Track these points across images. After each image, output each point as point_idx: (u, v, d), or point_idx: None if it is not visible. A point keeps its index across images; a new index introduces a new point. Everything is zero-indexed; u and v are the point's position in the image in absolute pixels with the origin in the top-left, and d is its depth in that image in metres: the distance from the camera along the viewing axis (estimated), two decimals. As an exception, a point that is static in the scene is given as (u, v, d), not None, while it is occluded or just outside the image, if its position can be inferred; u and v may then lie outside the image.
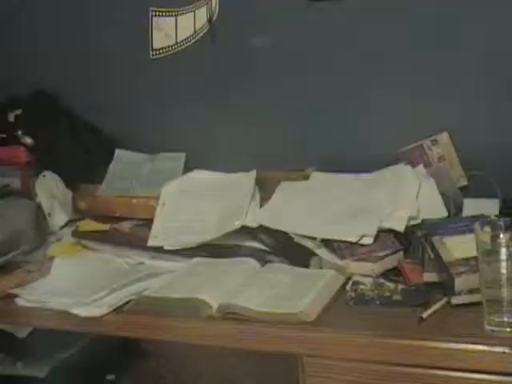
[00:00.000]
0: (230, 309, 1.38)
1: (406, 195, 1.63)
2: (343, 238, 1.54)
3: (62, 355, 1.74)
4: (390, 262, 1.50)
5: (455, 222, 1.48)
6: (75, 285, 1.58)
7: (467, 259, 1.32)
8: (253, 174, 1.78)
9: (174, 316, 1.42)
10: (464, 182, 1.77)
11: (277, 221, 1.64)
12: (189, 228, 1.70)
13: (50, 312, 1.49)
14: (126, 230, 1.82)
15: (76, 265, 1.69)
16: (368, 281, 1.45)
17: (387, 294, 1.41)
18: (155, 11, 2.00)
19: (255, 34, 1.92)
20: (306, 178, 1.80)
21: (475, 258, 1.26)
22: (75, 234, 1.82)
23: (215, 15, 1.95)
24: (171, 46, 2.01)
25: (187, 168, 1.94)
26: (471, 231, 1.27)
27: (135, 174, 1.98)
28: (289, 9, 1.87)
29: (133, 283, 1.53)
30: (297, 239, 1.58)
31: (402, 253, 1.52)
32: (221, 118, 1.96)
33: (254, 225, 1.64)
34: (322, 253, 1.54)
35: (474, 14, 1.72)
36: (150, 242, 1.70)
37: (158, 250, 1.68)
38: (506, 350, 1.17)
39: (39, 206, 1.88)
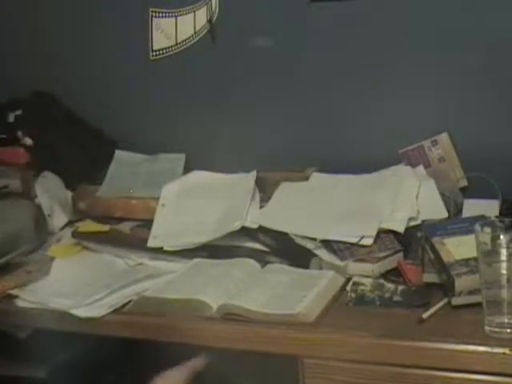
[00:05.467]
0: (229, 309, 1.38)
1: (405, 196, 1.63)
2: (343, 239, 1.54)
3: (62, 356, 1.74)
4: (390, 263, 1.50)
5: (455, 222, 1.48)
6: (75, 285, 1.58)
7: (467, 260, 1.32)
8: (253, 174, 1.78)
9: (173, 317, 1.42)
10: (464, 183, 1.77)
11: (277, 221, 1.64)
12: (189, 229, 1.70)
13: (50, 313, 1.49)
14: (125, 230, 1.82)
15: (76, 265, 1.69)
16: (368, 281, 1.45)
17: (387, 294, 1.41)
18: (155, 12, 2.00)
19: (255, 34, 1.92)
20: (306, 178, 1.80)
21: (475, 258, 1.26)
22: (75, 234, 1.82)
23: (215, 15, 1.95)
24: (171, 47, 2.01)
25: (187, 169, 1.94)
26: (471, 232, 1.27)
27: (135, 175, 1.98)
28: (289, 9, 1.87)
29: (133, 284, 1.53)
30: (297, 240, 1.58)
31: (401, 253, 1.52)
32: (221, 119, 1.96)
33: (253, 225, 1.64)
34: (322, 253, 1.55)
35: (474, 13, 1.72)
36: (150, 243, 1.70)
37: (158, 250, 1.67)
38: (506, 351, 1.17)
39: (39, 207, 1.88)
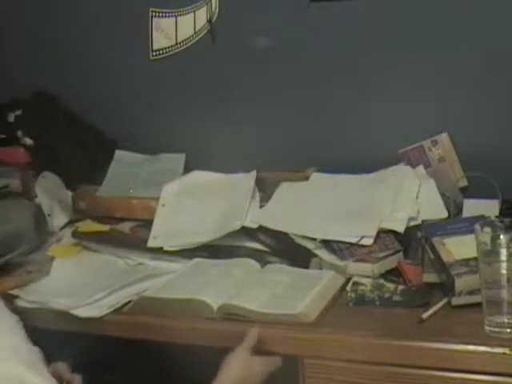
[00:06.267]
0: (230, 309, 1.38)
1: (405, 196, 1.63)
2: (343, 239, 1.54)
3: (62, 356, 1.74)
4: (390, 263, 1.50)
5: (455, 222, 1.48)
6: (75, 285, 1.58)
7: (467, 260, 1.32)
8: (253, 174, 1.78)
9: (174, 317, 1.42)
10: (464, 183, 1.77)
11: (277, 221, 1.64)
12: (189, 229, 1.70)
13: (50, 313, 1.49)
14: (125, 230, 1.82)
15: (76, 265, 1.69)
16: (368, 281, 1.45)
17: (387, 294, 1.41)
18: (155, 12, 2.00)
19: (255, 34, 1.92)
20: (306, 178, 1.80)
21: (475, 258, 1.26)
22: (75, 234, 1.82)
23: (215, 15, 1.95)
24: (171, 47, 2.00)
25: (187, 169, 1.94)
26: (471, 232, 1.27)
27: (135, 175, 1.98)
28: (289, 9, 1.87)
29: (133, 284, 1.53)
30: (297, 240, 1.58)
31: (401, 253, 1.52)
32: (221, 119, 1.96)
33: (254, 225, 1.64)
34: (322, 253, 1.55)
35: (475, 14, 1.72)
36: (150, 243, 1.70)
37: (158, 250, 1.68)
38: (506, 351, 1.17)
39: (39, 207, 1.88)
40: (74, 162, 2.03)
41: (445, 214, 1.60)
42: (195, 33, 1.97)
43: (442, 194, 1.65)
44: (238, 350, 1.28)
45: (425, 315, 1.30)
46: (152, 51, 2.03)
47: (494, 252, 1.21)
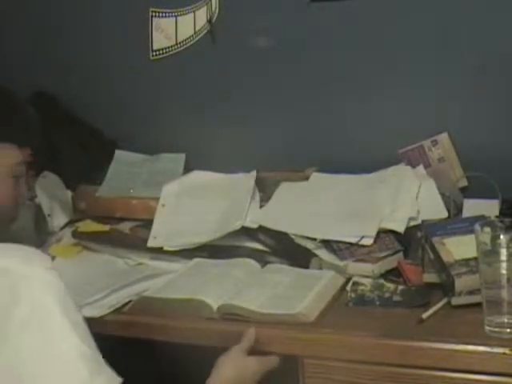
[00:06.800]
0: (229, 309, 1.38)
1: (405, 196, 1.63)
2: (343, 239, 1.54)
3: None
4: (390, 263, 1.50)
5: (455, 222, 1.48)
6: (75, 285, 1.57)
7: (467, 260, 1.32)
8: (253, 174, 1.78)
9: (174, 317, 1.42)
10: (464, 183, 1.77)
11: (277, 221, 1.64)
12: (189, 229, 1.70)
13: (49, 313, 1.49)
14: (125, 230, 1.82)
15: (76, 265, 1.69)
16: (368, 281, 1.45)
17: (387, 294, 1.41)
18: (155, 12, 2.00)
19: (255, 34, 1.92)
20: (306, 178, 1.80)
21: (475, 258, 1.26)
22: (75, 234, 1.82)
23: (215, 15, 1.95)
24: (171, 47, 2.01)
25: (187, 169, 1.94)
26: (471, 232, 1.27)
27: (135, 175, 1.99)
28: (289, 9, 1.87)
29: (133, 284, 1.53)
30: (297, 240, 1.58)
31: (401, 253, 1.53)
32: (221, 119, 1.96)
33: (254, 225, 1.64)
34: (322, 253, 1.55)
35: (474, 14, 1.72)
36: (150, 243, 1.70)
37: (158, 250, 1.68)
38: (507, 351, 1.17)
39: (39, 207, 1.88)
40: (74, 162, 2.03)
41: (445, 214, 1.60)
42: (195, 33, 1.97)
43: (442, 194, 1.65)
44: (232, 350, 1.28)
45: (425, 315, 1.30)
46: (152, 51, 2.03)
47: (494, 252, 1.21)
